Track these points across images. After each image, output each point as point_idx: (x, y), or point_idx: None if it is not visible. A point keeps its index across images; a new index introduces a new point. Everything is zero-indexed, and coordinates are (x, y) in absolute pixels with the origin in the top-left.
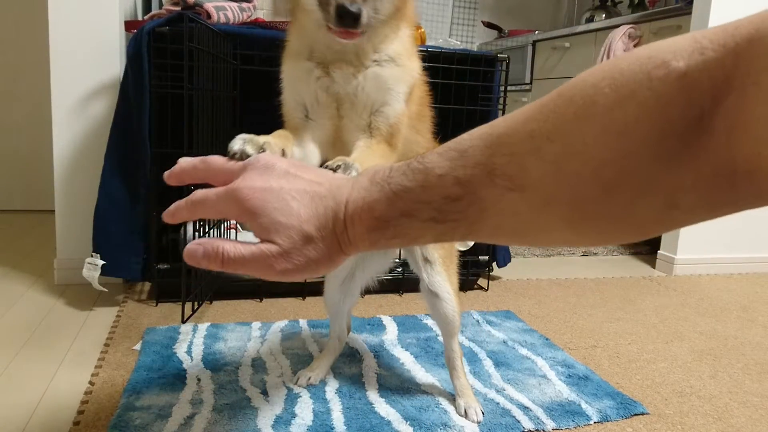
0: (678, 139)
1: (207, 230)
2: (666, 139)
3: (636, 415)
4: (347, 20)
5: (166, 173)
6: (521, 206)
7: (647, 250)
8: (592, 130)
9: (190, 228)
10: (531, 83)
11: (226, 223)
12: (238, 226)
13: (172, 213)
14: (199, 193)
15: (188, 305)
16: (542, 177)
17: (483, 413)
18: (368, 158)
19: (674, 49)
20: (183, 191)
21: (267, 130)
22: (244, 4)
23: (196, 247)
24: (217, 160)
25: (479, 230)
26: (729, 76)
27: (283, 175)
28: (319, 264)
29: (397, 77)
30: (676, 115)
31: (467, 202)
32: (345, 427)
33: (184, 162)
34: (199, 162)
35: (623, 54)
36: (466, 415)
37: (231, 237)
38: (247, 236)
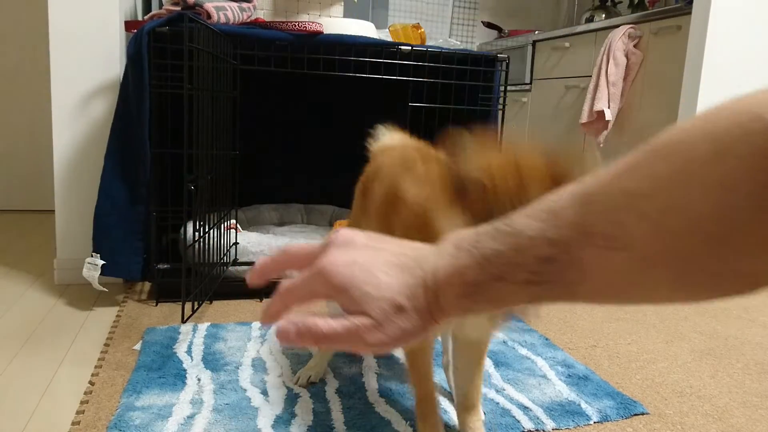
0: None
1: (207, 230)
2: None
3: (636, 415)
4: None
5: (249, 276)
6: (623, 266)
7: None
8: (691, 185)
9: (190, 228)
10: (531, 83)
11: (226, 223)
12: (238, 226)
13: (271, 314)
14: (285, 284)
15: (188, 305)
16: (643, 235)
17: (484, 413)
18: None
19: (759, 98)
20: (182, 191)
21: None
22: (244, 4)
23: (288, 326)
24: (294, 247)
25: (577, 291)
26: None
27: (364, 248)
28: (411, 334)
29: None
30: None
31: (565, 264)
32: (345, 427)
33: (263, 260)
34: (278, 254)
35: (711, 109)
36: None
37: (231, 237)
38: (249, 236)
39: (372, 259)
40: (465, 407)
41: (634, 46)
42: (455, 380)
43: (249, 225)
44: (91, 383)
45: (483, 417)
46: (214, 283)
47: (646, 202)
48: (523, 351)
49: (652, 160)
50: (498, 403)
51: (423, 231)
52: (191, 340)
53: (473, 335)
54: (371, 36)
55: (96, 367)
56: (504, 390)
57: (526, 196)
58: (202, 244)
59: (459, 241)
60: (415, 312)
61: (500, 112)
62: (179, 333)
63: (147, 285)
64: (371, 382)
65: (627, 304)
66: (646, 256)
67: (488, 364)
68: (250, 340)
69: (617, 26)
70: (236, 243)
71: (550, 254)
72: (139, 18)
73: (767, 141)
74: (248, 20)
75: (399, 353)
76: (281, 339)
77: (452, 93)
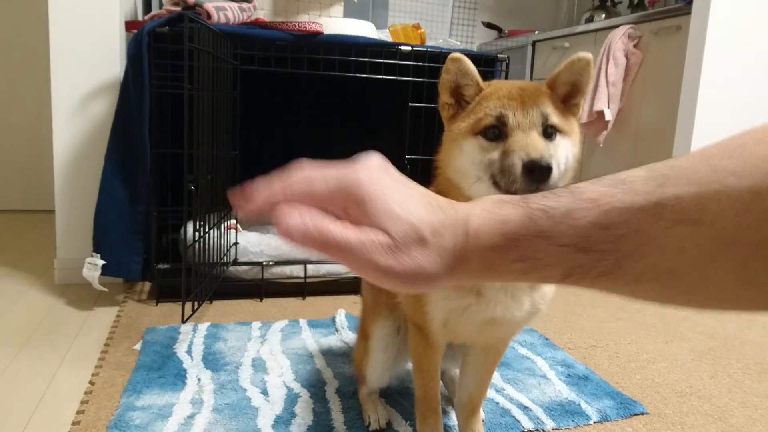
0: None
1: (207, 230)
2: None
3: (636, 415)
4: (537, 174)
5: (244, 200)
6: (689, 243)
7: None
8: None
9: (190, 228)
10: None
11: (226, 223)
12: (238, 226)
13: (262, 197)
14: (303, 178)
15: (188, 305)
16: (723, 212)
17: (483, 412)
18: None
19: None
20: (182, 191)
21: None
22: (244, 4)
23: (298, 222)
24: (315, 177)
25: (625, 268)
26: None
27: (399, 179)
28: (424, 275)
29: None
30: None
31: (623, 232)
32: (345, 427)
33: (269, 189)
34: (296, 183)
35: None
36: None
37: (231, 237)
38: (249, 236)
39: (404, 188)
40: (468, 410)
41: (634, 46)
42: (462, 381)
43: (249, 225)
44: (91, 383)
45: (483, 416)
46: (214, 283)
47: (735, 179)
48: (523, 351)
49: (747, 142)
50: (498, 403)
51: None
52: (191, 340)
53: (507, 317)
54: (371, 36)
55: (96, 367)
56: (504, 390)
57: None
58: (202, 244)
59: (501, 197)
60: (437, 252)
61: None
62: (179, 333)
63: (147, 285)
64: None
65: (675, 302)
66: (719, 234)
67: None
68: (250, 340)
69: (617, 26)
70: (236, 243)
71: (610, 221)
72: (139, 18)
73: None
74: (248, 20)
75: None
76: (284, 235)
77: None
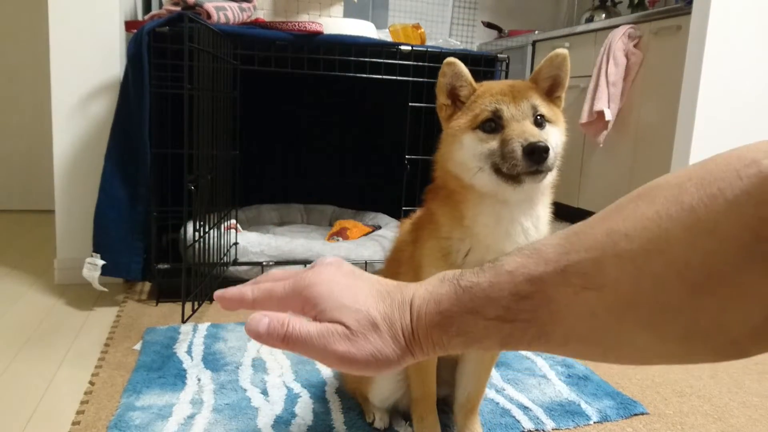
0: None
1: (207, 230)
2: (758, 240)
3: (636, 415)
4: (537, 155)
5: (221, 298)
6: (597, 308)
7: None
8: (675, 228)
9: (190, 228)
10: None
11: (226, 223)
12: (238, 225)
13: (232, 295)
14: (267, 284)
15: (188, 305)
16: (620, 276)
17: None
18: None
19: (764, 149)
20: (182, 191)
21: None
22: (244, 4)
23: (261, 318)
24: (279, 278)
25: (550, 334)
26: None
27: (349, 273)
28: (382, 356)
29: None
30: None
31: (538, 302)
32: (345, 427)
33: (240, 289)
34: (261, 286)
35: (706, 158)
36: None
37: (231, 237)
38: (249, 236)
39: (354, 282)
40: (466, 409)
41: (634, 46)
42: (460, 381)
43: (249, 225)
44: (91, 383)
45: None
46: (214, 283)
47: (626, 242)
48: (523, 351)
49: (638, 201)
50: (498, 403)
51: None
52: (191, 340)
53: None
54: (371, 36)
55: (96, 367)
56: (504, 390)
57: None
58: (202, 244)
59: (444, 275)
60: (388, 333)
61: None
62: (179, 333)
63: (147, 285)
64: None
65: (604, 359)
66: (621, 298)
67: None
68: (250, 340)
69: (617, 26)
70: (236, 243)
71: (525, 291)
72: (139, 18)
73: (762, 187)
74: (248, 20)
75: None
76: (250, 331)
77: None
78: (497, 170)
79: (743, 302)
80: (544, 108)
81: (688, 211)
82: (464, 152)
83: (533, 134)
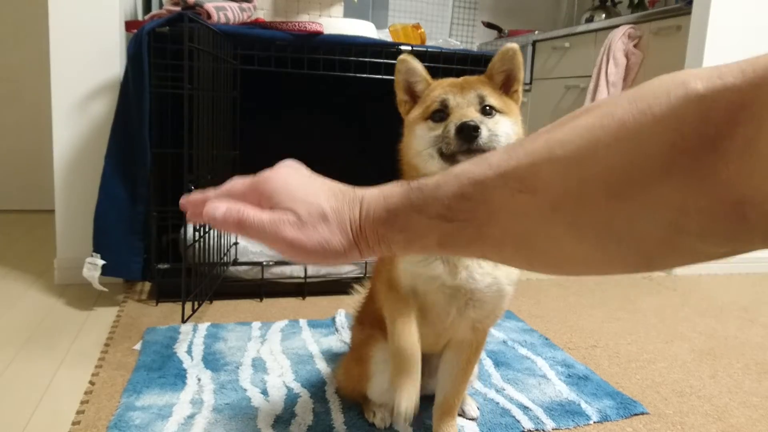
0: (689, 157)
1: (207, 230)
2: (677, 154)
3: (636, 414)
4: (466, 132)
5: (187, 205)
6: (530, 209)
7: None
8: (605, 137)
9: (190, 228)
10: (531, 83)
11: None
12: None
13: (195, 202)
14: (228, 184)
15: (188, 305)
16: (552, 180)
17: (479, 408)
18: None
19: (696, 73)
20: (182, 191)
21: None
22: (244, 4)
23: (218, 204)
24: (237, 182)
25: (486, 236)
26: (747, 102)
27: (305, 174)
28: (329, 246)
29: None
30: (690, 132)
31: (477, 202)
32: (345, 427)
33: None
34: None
35: (652, 79)
36: (463, 413)
37: (231, 237)
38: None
39: (309, 180)
40: (441, 410)
41: (634, 46)
42: (438, 380)
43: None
44: (91, 383)
45: (476, 415)
46: (214, 283)
47: (560, 149)
48: (523, 351)
49: (579, 115)
50: (498, 403)
51: None
52: (191, 340)
53: (470, 285)
54: (371, 36)
55: (96, 367)
56: (504, 390)
57: None
58: (202, 244)
59: (394, 183)
60: (338, 227)
61: None
62: (179, 333)
63: (147, 285)
64: None
65: (533, 261)
66: (551, 200)
67: (488, 364)
68: (250, 340)
69: (617, 26)
70: (236, 243)
71: (467, 193)
72: (139, 18)
73: (686, 106)
74: (248, 20)
75: None
76: (207, 216)
77: None
78: (441, 153)
79: (654, 211)
80: (493, 99)
81: (618, 123)
82: (417, 141)
83: (467, 116)
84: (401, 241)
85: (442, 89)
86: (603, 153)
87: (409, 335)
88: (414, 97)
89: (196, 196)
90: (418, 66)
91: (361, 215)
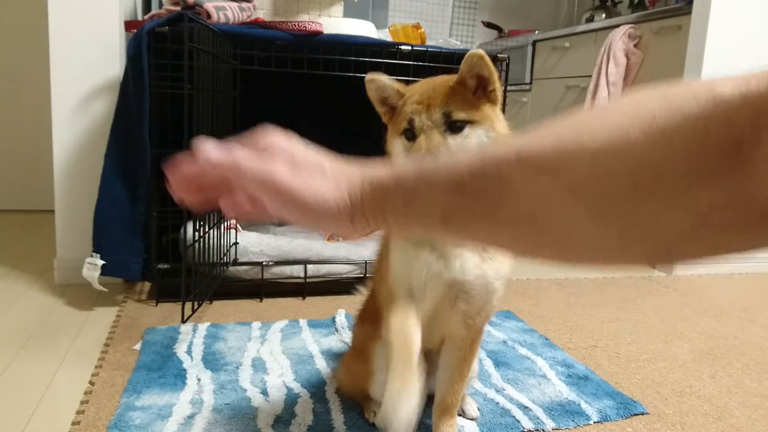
0: (717, 157)
1: (207, 230)
2: (705, 153)
3: (636, 415)
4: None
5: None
6: (550, 190)
7: None
8: (636, 132)
9: (190, 228)
10: (531, 83)
11: (226, 223)
12: (238, 226)
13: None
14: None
15: (188, 305)
16: (577, 165)
17: (479, 408)
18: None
19: (723, 78)
20: None
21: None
22: (244, 4)
23: (214, 149)
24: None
25: (498, 212)
26: None
27: (302, 144)
28: (322, 200)
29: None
30: (718, 132)
31: (494, 180)
32: (345, 427)
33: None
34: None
35: (674, 84)
36: (463, 413)
37: (231, 237)
38: (249, 236)
39: (307, 147)
40: (440, 409)
41: (634, 46)
42: (437, 380)
43: (249, 225)
44: (91, 383)
45: (476, 415)
46: (214, 283)
47: (589, 136)
48: (523, 351)
49: (607, 107)
50: (498, 403)
51: None
52: (191, 340)
53: (461, 277)
54: (371, 36)
55: (96, 367)
56: (504, 390)
57: None
58: (202, 244)
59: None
60: (335, 183)
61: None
62: (179, 333)
63: (147, 285)
64: None
65: (544, 251)
66: (574, 184)
67: (488, 364)
68: (250, 340)
69: (617, 26)
70: (236, 243)
71: (482, 170)
72: (139, 18)
73: (713, 108)
74: (248, 20)
75: None
76: (200, 156)
77: None
78: None
79: (679, 209)
80: (461, 111)
81: (650, 119)
82: (396, 156)
83: (422, 147)
84: (403, 213)
85: (410, 106)
86: (633, 147)
87: (402, 329)
88: (391, 108)
89: (179, 157)
90: (386, 82)
91: (363, 184)
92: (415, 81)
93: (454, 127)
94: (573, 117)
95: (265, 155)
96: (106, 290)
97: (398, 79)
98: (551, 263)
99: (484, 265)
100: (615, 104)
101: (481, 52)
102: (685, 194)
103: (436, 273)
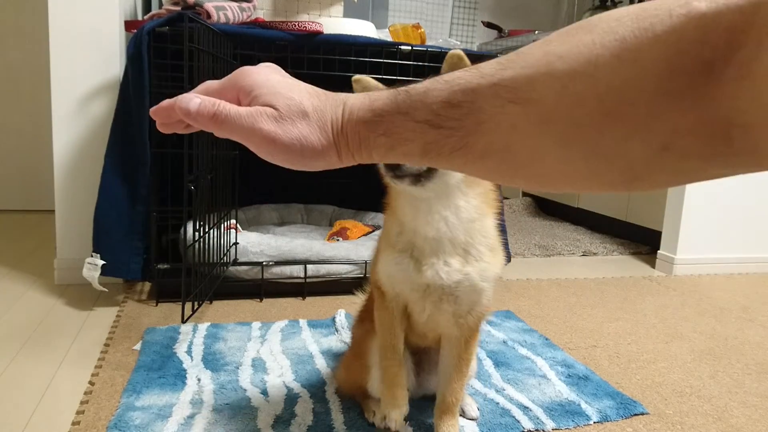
0: (686, 78)
1: (207, 230)
2: (675, 74)
3: (636, 415)
4: (390, 166)
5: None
6: (520, 120)
7: (647, 250)
8: (605, 54)
9: (190, 228)
10: None
11: (226, 223)
12: (238, 225)
13: (167, 107)
14: (206, 83)
15: (188, 305)
16: (546, 93)
17: (479, 408)
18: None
19: None
20: (182, 191)
21: None
22: (244, 4)
23: (192, 97)
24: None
25: (471, 145)
26: (748, 24)
27: (287, 75)
28: (306, 143)
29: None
30: (690, 51)
31: (466, 110)
32: (345, 427)
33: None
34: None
35: None
36: (463, 413)
37: (231, 237)
38: (249, 236)
39: (290, 80)
40: (440, 409)
41: None
42: (438, 379)
43: (249, 225)
44: (91, 383)
45: (476, 415)
46: (214, 283)
47: (559, 63)
48: (523, 351)
49: (578, 30)
50: (498, 403)
51: None
52: (191, 340)
53: (437, 281)
54: (371, 36)
55: (96, 367)
56: (504, 390)
57: None
58: (202, 244)
59: (389, 88)
60: (318, 124)
61: None
62: (179, 333)
63: (147, 285)
64: None
65: (515, 175)
66: (542, 113)
67: (488, 364)
68: (250, 340)
69: None
70: (236, 243)
71: (457, 100)
72: (139, 18)
73: (687, 25)
74: (248, 20)
75: None
76: (180, 109)
77: None
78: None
79: (645, 132)
80: None
81: (619, 41)
82: None
83: None
84: (383, 145)
85: None
86: (601, 71)
87: (389, 334)
88: None
89: (165, 102)
90: (372, 82)
91: (344, 116)
92: (416, 81)
93: None
94: (544, 41)
95: (251, 101)
96: (106, 290)
97: (398, 80)
98: (526, 188)
99: (468, 268)
100: (589, 24)
101: (460, 52)
102: (652, 119)
103: (413, 279)
